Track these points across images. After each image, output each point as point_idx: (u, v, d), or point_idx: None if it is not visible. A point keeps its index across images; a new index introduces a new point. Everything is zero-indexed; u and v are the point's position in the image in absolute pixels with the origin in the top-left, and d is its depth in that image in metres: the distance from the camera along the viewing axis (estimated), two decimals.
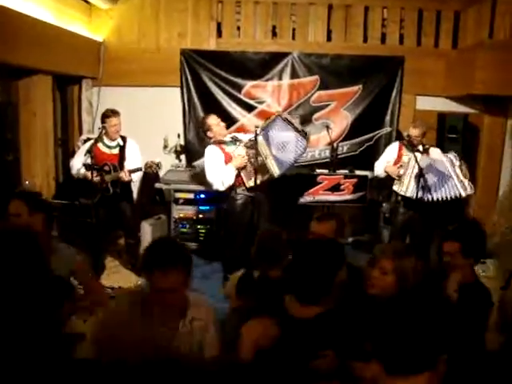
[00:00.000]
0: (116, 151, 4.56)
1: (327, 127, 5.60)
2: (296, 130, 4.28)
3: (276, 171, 4.24)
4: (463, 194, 4.40)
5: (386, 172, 4.77)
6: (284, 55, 5.76)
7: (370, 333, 1.26)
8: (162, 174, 5.42)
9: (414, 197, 4.44)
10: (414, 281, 2.10)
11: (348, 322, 1.76)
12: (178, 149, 5.91)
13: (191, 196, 5.39)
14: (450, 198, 4.40)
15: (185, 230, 5.40)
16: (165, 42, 5.83)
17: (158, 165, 4.39)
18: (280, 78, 5.80)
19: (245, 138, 4.39)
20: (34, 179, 4.75)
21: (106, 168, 4.43)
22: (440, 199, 4.41)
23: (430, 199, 4.39)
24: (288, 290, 1.90)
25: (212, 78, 5.78)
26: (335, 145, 5.63)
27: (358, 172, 5.53)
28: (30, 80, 4.63)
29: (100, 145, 4.47)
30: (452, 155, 4.47)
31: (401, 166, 4.65)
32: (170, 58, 5.72)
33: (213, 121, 4.39)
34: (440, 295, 2.22)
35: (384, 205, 5.36)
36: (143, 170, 4.45)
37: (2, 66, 4.12)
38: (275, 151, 4.24)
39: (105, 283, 3.73)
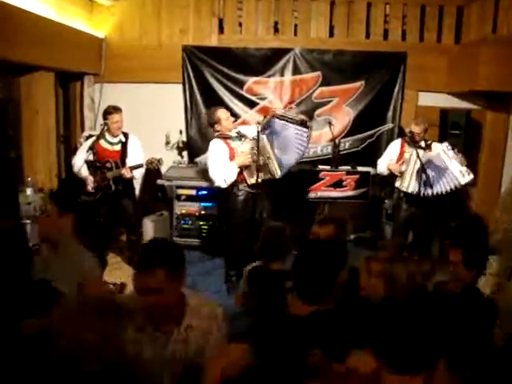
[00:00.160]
0: (118, 148, 4.56)
1: (329, 123, 5.58)
2: (294, 122, 4.25)
3: (277, 173, 4.24)
4: (462, 183, 4.40)
5: (388, 169, 4.77)
6: (286, 51, 5.74)
7: (362, 333, 1.26)
8: (164, 170, 5.42)
9: (416, 192, 4.45)
10: (407, 286, 2.07)
11: (340, 321, 1.76)
12: (180, 145, 5.91)
13: (193, 192, 5.39)
14: (451, 189, 4.41)
15: (187, 226, 5.41)
16: (166, 39, 5.83)
17: (159, 161, 4.39)
18: (282, 74, 5.79)
19: (248, 132, 4.36)
20: (36, 176, 4.76)
21: (108, 165, 4.43)
22: (440, 193, 4.41)
23: (431, 194, 4.40)
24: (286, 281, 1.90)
25: (214, 75, 5.77)
26: (337, 141, 5.62)
27: (360, 168, 5.52)
28: (31, 77, 4.64)
29: (102, 141, 4.46)
30: (444, 146, 4.48)
31: (403, 162, 4.65)
32: (171, 54, 5.72)
33: (223, 115, 4.36)
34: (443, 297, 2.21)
35: (386, 201, 5.36)
36: (145, 166, 4.45)
37: (3, 62, 4.13)
38: (277, 152, 4.23)
39: (107, 279, 3.73)
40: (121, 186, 4.47)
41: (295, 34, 5.87)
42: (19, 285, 1.78)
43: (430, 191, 4.40)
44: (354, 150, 5.86)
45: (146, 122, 5.36)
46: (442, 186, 4.42)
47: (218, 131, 4.35)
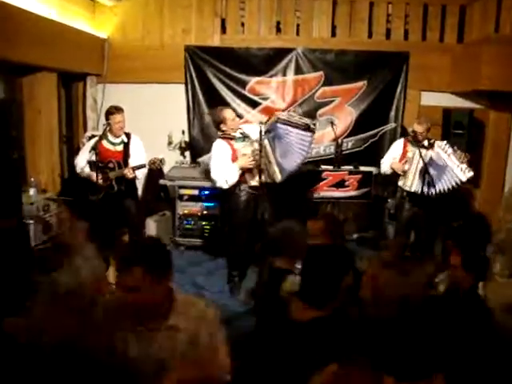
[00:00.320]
0: (120, 148, 4.56)
1: (332, 123, 5.58)
2: (297, 126, 4.25)
3: (278, 177, 4.25)
4: (463, 179, 4.38)
5: (392, 169, 4.77)
6: (288, 51, 5.74)
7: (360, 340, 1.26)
8: (166, 170, 5.43)
9: (419, 192, 4.45)
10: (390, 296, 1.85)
11: (338, 328, 1.75)
12: (183, 145, 5.92)
13: (196, 192, 5.39)
14: (452, 187, 4.39)
15: (189, 226, 5.41)
16: (169, 39, 5.83)
17: (162, 161, 4.39)
18: (284, 74, 5.79)
19: (251, 130, 4.35)
20: (39, 176, 4.77)
21: (111, 165, 4.43)
22: (443, 191, 4.41)
23: (433, 192, 4.41)
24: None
25: (216, 75, 5.77)
26: (340, 141, 5.62)
27: (362, 168, 5.52)
28: (34, 77, 4.65)
29: (104, 142, 4.46)
30: (442, 144, 4.48)
31: (406, 161, 4.66)
32: (174, 54, 5.72)
33: (229, 115, 4.34)
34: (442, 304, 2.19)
35: (389, 201, 5.36)
36: (147, 166, 4.45)
37: (5, 63, 4.14)
38: (279, 157, 4.23)
39: (109, 280, 3.73)
40: (123, 186, 4.47)
41: (297, 33, 5.86)
42: (20, 285, 1.78)
43: (432, 190, 4.40)
44: (357, 149, 5.85)
45: (148, 122, 5.36)
46: (443, 184, 4.42)
47: (223, 131, 4.36)
